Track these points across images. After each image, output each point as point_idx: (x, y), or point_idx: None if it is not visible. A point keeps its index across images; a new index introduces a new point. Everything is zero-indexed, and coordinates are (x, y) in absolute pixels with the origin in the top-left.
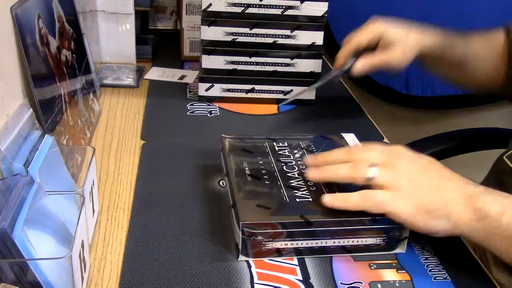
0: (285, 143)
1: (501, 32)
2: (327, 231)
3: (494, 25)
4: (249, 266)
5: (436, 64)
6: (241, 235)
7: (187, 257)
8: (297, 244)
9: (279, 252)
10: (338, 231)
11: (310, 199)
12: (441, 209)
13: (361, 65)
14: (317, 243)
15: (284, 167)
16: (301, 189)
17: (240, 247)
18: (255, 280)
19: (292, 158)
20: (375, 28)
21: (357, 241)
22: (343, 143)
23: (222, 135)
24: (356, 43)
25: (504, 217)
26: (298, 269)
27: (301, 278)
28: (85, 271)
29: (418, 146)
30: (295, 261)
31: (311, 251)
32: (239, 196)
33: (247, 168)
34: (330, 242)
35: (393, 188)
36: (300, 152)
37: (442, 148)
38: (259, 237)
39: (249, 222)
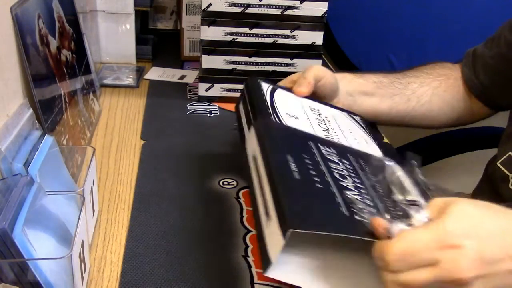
0: (332, 149)
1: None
2: None
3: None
4: (249, 266)
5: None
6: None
7: (187, 257)
8: None
9: None
10: None
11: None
12: None
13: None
14: None
15: (335, 173)
16: (358, 204)
17: (273, 257)
18: (255, 280)
19: (343, 166)
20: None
21: None
22: (394, 178)
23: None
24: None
25: None
26: None
27: None
28: (85, 271)
29: (410, 149)
30: None
31: None
32: (285, 197)
33: (293, 164)
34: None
35: None
36: (350, 165)
37: (433, 151)
38: None
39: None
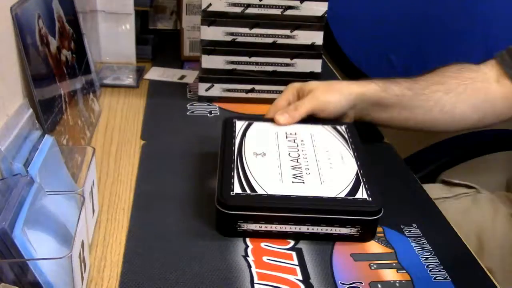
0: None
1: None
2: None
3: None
4: (249, 266)
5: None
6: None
7: (187, 257)
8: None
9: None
10: (313, 218)
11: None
12: None
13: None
14: (291, 228)
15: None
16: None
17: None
18: (255, 280)
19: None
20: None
21: (331, 230)
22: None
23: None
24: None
25: None
26: (298, 269)
27: (301, 278)
28: (85, 271)
29: (427, 153)
30: (295, 261)
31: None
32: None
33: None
34: (304, 229)
35: None
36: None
37: (452, 157)
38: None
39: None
